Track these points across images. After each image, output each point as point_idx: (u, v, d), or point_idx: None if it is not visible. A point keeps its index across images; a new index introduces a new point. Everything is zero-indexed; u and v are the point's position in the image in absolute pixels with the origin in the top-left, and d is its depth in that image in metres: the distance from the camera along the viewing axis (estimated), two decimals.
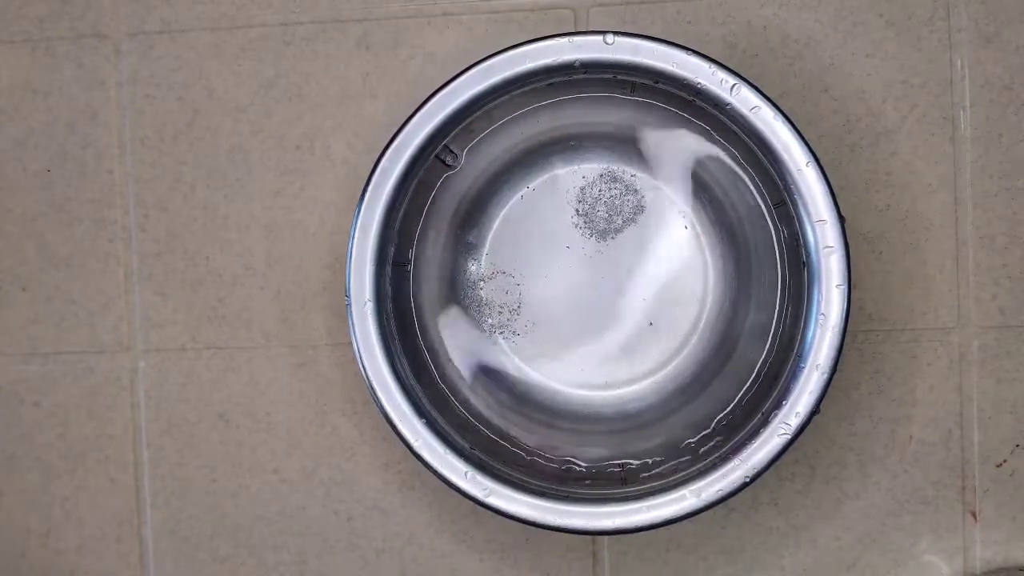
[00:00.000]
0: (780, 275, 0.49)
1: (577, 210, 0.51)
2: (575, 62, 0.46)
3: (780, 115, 0.45)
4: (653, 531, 0.46)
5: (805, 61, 0.52)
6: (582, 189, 0.51)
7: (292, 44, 0.54)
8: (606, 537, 0.53)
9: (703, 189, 0.51)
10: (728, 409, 0.50)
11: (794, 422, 0.45)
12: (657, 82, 0.46)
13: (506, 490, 0.46)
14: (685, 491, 0.46)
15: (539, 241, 0.52)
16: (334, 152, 0.54)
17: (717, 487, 0.45)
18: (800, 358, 0.46)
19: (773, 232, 0.49)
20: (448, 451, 0.47)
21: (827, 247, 0.45)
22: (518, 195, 0.51)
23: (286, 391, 0.54)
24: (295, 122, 0.54)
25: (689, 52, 0.45)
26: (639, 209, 0.51)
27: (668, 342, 0.51)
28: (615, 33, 0.46)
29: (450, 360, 0.51)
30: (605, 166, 0.51)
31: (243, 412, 0.55)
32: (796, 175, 0.45)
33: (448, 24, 0.54)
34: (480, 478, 0.46)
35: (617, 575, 0.53)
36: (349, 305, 0.47)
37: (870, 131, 0.52)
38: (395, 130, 0.47)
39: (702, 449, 0.49)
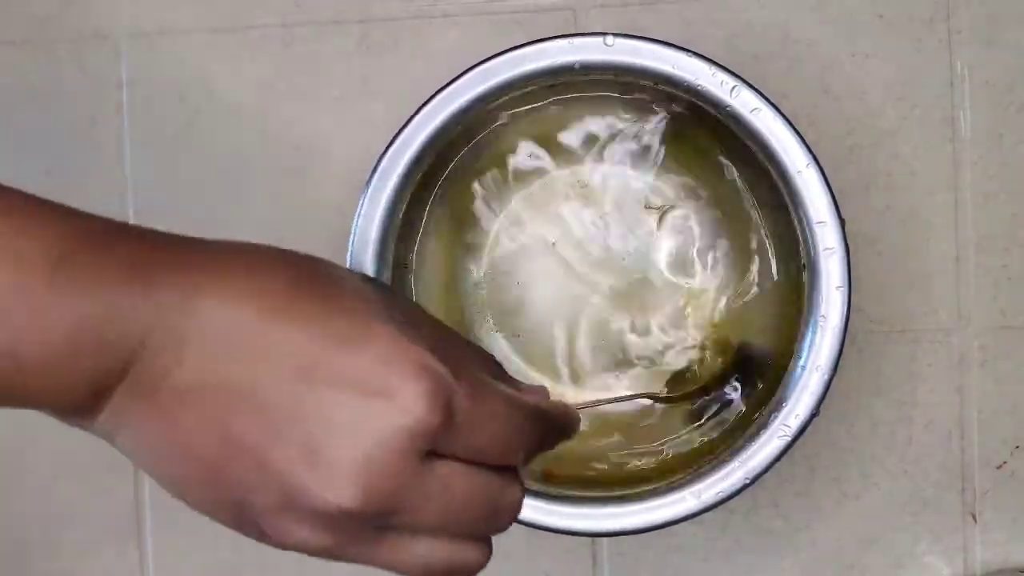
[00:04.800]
0: (780, 276, 0.49)
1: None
2: (575, 64, 0.46)
3: (780, 117, 0.45)
4: (652, 533, 0.46)
5: (805, 62, 0.52)
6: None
7: (292, 44, 0.54)
8: (605, 539, 0.53)
9: (704, 190, 0.51)
10: (728, 408, 0.50)
11: (794, 423, 0.45)
12: (657, 84, 0.46)
13: None
14: (685, 493, 0.46)
15: (540, 242, 0.52)
16: (334, 152, 0.54)
17: (717, 488, 0.45)
18: (800, 359, 0.46)
19: (773, 233, 0.49)
20: None
21: (827, 248, 0.45)
22: (519, 195, 0.51)
23: None
24: (295, 122, 0.54)
25: (689, 54, 0.45)
26: (640, 210, 0.51)
27: (669, 343, 0.51)
28: (615, 35, 0.46)
29: None
30: (606, 167, 0.51)
31: None
32: (796, 176, 0.45)
33: (448, 25, 0.54)
34: None
35: None
36: None
37: (870, 132, 0.52)
38: (395, 131, 0.47)
39: (704, 447, 0.49)
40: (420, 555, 0.32)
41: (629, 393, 0.49)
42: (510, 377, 0.37)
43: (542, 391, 0.37)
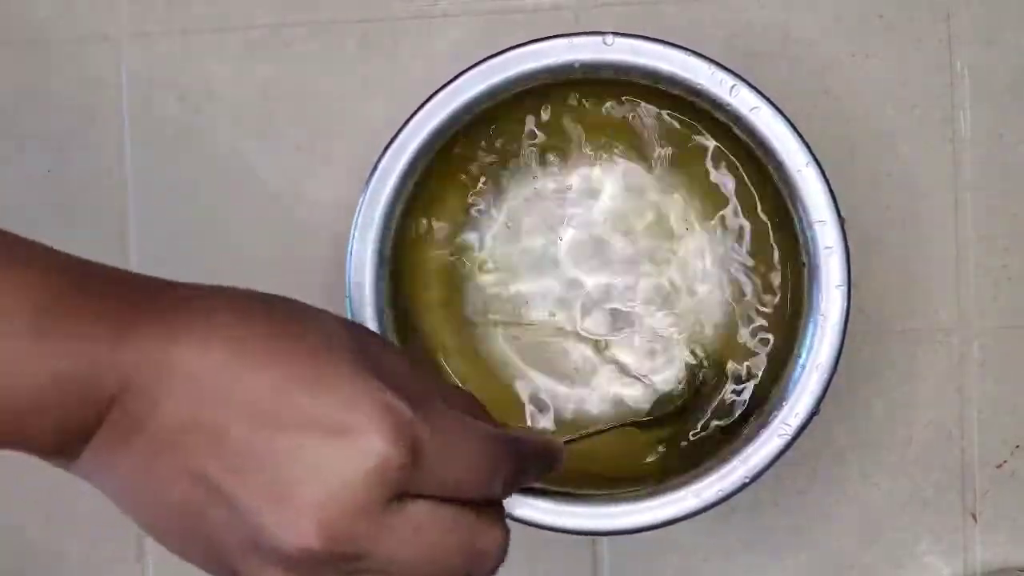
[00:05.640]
0: (780, 275, 0.49)
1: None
2: (575, 63, 0.46)
3: (780, 116, 0.45)
4: (652, 532, 0.46)
5: (805, 61, 0.52)
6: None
7: (292, 44, 0.54)
8: (605, 539, 0.53)
9: (703, 189, 0.51)
10: (728, 409, 0.50)
11: (794, 422, 0.45)
12: (656, 83, 0.46)
13: None
14: (685, 492, 0.46)
15: (541, 242, 0.52)
16: (334, 152, 0.54)
17: (717, 487, 0.45)
18: (800, 358, 0.46)
19: (772, 232, 0.49)
20: None
21: (827, 247, 0.45)
22: (520, 195, 0.51)
23: None
24: (295, 122, 0.54)
25: (689, 53, 0.45)
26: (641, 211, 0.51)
27: (669, 343, 0.51)
28: (615, 34, 0.46)
29: (450, 361, 0.51)
30: (607, 167, 0.51)
31: None
32: (796, 176, 0.45)
33: (448, 25, 0.54)
34: None
35: None
36: (349, 305, 0.47)
37: (870, 131, 0.52)
38: (395, 130, 0.47)
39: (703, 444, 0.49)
40: None
41: (614, 424, 0.49)
42: (488, 414, 0.37)
43: (522, 429, 0.36)
